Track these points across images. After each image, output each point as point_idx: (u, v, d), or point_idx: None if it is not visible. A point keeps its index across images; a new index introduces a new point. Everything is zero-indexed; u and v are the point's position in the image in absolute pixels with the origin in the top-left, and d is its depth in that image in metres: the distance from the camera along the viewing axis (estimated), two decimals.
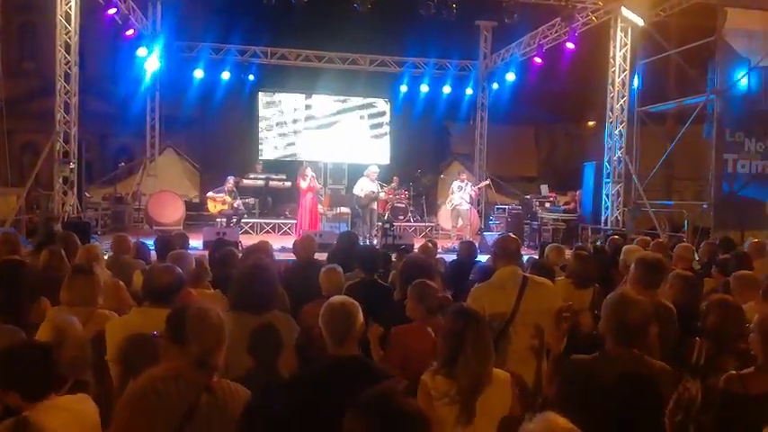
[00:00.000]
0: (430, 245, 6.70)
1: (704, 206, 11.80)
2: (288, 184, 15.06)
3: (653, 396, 2.62)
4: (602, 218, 12.95)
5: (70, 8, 10.85)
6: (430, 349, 3.06)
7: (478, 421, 2.57)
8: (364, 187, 12.41)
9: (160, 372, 2.37)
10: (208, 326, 2.39)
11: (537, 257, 7.06)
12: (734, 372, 2.74)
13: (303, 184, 12.31)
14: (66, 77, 11.03)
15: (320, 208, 14.01)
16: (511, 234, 4.15)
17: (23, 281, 3.57)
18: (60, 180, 10.94)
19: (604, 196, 12.96)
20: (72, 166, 11.01)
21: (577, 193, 14.22)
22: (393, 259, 6.04)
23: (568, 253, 5.81)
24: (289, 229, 14.13)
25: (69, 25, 10.91)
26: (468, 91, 17.26)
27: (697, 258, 7.13)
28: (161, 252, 5.20)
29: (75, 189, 11.20)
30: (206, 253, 6.58)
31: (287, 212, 15.21)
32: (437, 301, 3.58)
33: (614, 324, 2.70)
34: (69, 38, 10.95)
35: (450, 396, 2.57)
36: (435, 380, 2.62)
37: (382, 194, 12.74)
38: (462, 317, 2.72)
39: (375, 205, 12.55)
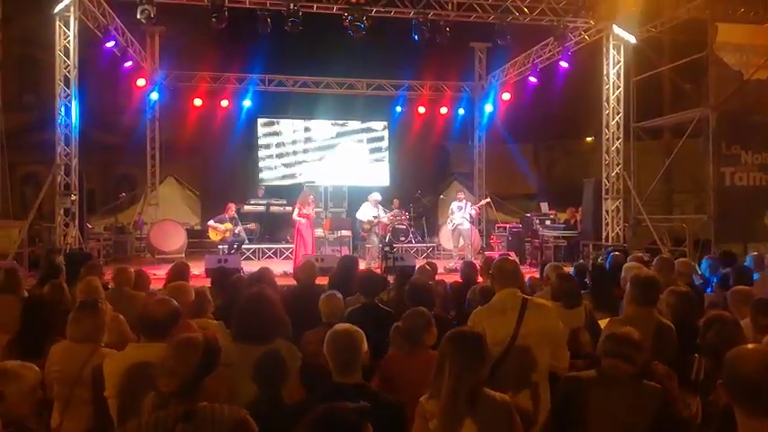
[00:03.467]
0: (428, 267, 6.70)
1: (704, 219, 11.82)
2: (289, 208, 15.10)
3: (645, 416, 2.61)
4: (603, 234, 12.96)
5: (69, 42, 11.01)
6: (416, 377, 3.08)
7: None
8: (366, 213, 12.51)
9: (146, 405, 2.39)
10: (185, 354, 2.36)
11: (537, 276, 7.09)
12: None
13: (307, 211, 12.17)
14: (66, 110, 11.15)
15: (320, 231, 14.05)
16: (508, 255, 4.18)
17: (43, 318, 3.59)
18: (62, 212, 11.00)
19: (604, 212, 12.99)
20: (73, 197, 11.08)
21: (579, 210, 14.24)
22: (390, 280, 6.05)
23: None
24: (290, 253, 14.13)
25: (68, 59, 11.06)
26: (465, 111, 17.41)
27: (699, 272, 7.15)
28: (218, 283, 5.52)
29: (77, 220, 11.26)
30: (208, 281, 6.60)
31: (288, 237, 15.23)
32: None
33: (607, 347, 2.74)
34: (68, 71, 11.09)
35: (437, 417, 2.58)
36: (428, 402, 2.64)
37: (384, 219, 12.76)
38: (447, 339, 2.72)
39: (377, 230, 12.59)
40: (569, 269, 6.07)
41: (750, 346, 2.14)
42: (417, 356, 3.38)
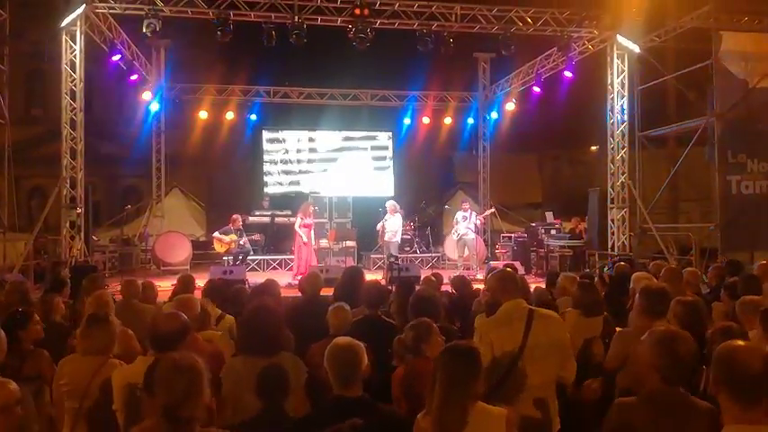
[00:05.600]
0: (433, 278, 6.68)
1: (711, 228, 11.76)
2: (293, 219, 15.12)
3: None
4: (609, 243, 12.91)
5: (75, 56, 11.10)
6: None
7: None
8: (384, 220, 12.61)
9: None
10: (176, 375, 2.25)
11: (543, 286, 7.05)
12: None
13: (308, 221, 12.28)
14: (72, 124, 11.23)
15: (325, 242, 14.07)
16: (508, 268, 4.15)
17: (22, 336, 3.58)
18: (67, 225, 11.05)
19: (610, 222, 12.94)
20: (79, 210, 11.12)
21: (584, 219, 14.19)
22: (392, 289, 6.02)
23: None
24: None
25: (74, 73, 11.14)
26: (470, 121, 17.44)
27: (705, 282, 7.10)
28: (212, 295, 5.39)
29: (83, 233, 11.29)
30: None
31: (293, 248, 15.23)
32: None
33: (664, 361, 2.54)
34: (75, 85, 11.18)
35: None
36: (424, 418, 2.61)
37: (388, 228, 12.61)
38: (441, 353, 2.70)
39: (388, 238, 12.51)
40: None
41: (741, 342, 2.28)
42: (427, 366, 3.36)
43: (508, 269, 3.97)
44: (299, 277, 11.35)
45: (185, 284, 5.76)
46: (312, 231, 12.55)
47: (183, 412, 2.22)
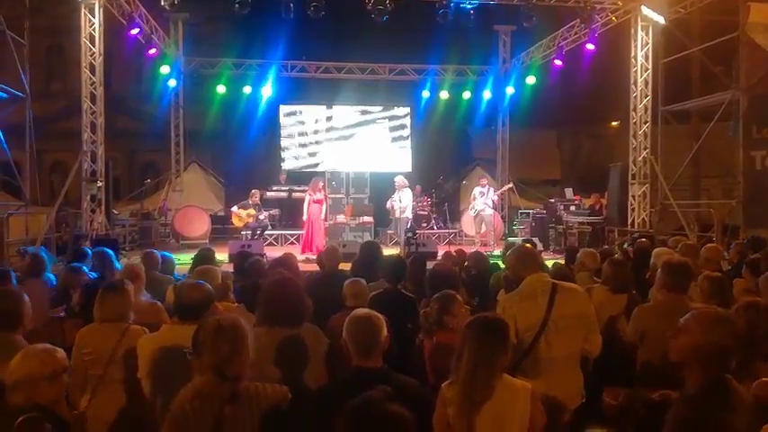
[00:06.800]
0: (454, 254, 6.67)
1: (733, 204, 11.58)
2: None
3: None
4: (629, 220, 12.78)
5: (94, 30, 11.11)
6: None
7: (483, 429, 2.56)
8: (392, 198, 12.59)
9: (185, 393, 2.41)
10: (221, 336, 2.40)
11: (563, 262, 7.01)
12: (766, 379, 2.65)
13: (318, 196, 12.35)
14: (92, 98, 11.28)
15: (342, 217, 14.12)
16: (527, 244, 4.14)
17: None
18: (88, 198, 11.18)
19: (630, 198, 12.79)
20: (99, 184, 11.24)
21: (604, 195, 14.05)
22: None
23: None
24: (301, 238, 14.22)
25: (94, 47, 11.17)
26: (489, 95, 17.19)
27: (727, 258, 7.00)
28: (239, 267, 5.56)
29: (103, 206, 11.42)
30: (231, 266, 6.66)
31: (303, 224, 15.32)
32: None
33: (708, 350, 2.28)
34: (94, 59, 11.21)
35: (455, 403, 2.58)
36: (448, 388, 2.65)
37: (402, 203, 12.57)
38: (467, 325, 2.72)
39: (397, 214, 12.53)
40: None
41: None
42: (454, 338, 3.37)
43: (527, 245, 3.95)
44: (308, 253, 11.47)
45: (204, 258, 5.82)
46: (325, 206, 12.60)
47: (230, 370, 2.38)
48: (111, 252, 6.18)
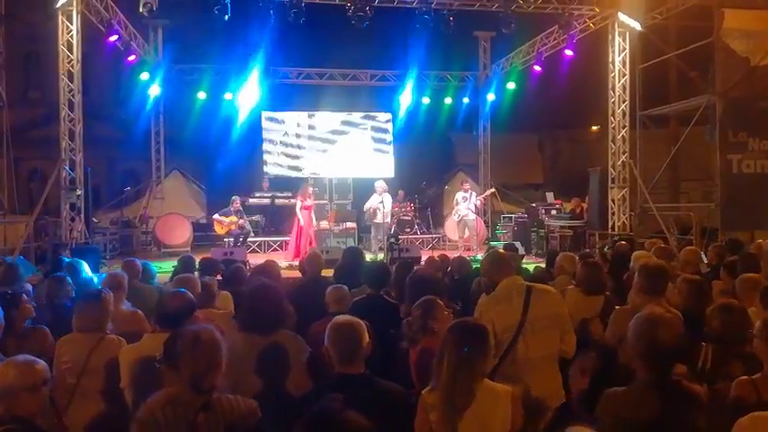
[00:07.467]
0: (437, 258, 6.69)
1: (711, 207, 11.75)
2: (294, 201, 15.12)
3: (696, 426, 2.46)
4: (610, 223, 12.91)
5: (72, 37, 11.00)
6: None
7: None
8: (370, 202, 12.54)
9: (156, 399, 2.42)
10: (199, 350, 2.40)
11: (544, 266, 7.06)
12: (745, 377, 2.70)
13: (308, 203, 12.31)
14: (70, 105, 11.16)
15: (325, 223, 14.08)
16: (508, 248, 4.19)
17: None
18: (67, 206, 11.03)
19: (610, 201, 12.92)
20: (78, 192, 11.10)
21: (585, 199, 14.18)
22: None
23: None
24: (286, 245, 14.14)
25: (71, 54, 11.05)
26: (469, 101, 17.28)
27: (705, 261, 7.11)
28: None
29: (83, 215, 11.29)
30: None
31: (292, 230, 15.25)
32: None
33: (644, 347, 2.52)
34: (72, 66, 11.09)
35: (437, 409, 2.59)
36: (429, 394, 2.65)
37: (386, 207, 12.59)
38: (448, 330, 2.73)
39: (380, 219, 12.52)
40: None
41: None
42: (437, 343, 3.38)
43: (500, 250, 3.98)
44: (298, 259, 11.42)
45: (186, 266, 5.79)
46: (312, 213, 12.56)
47: (205, 383, 2.39)
48: (80, 264, 6.01)
